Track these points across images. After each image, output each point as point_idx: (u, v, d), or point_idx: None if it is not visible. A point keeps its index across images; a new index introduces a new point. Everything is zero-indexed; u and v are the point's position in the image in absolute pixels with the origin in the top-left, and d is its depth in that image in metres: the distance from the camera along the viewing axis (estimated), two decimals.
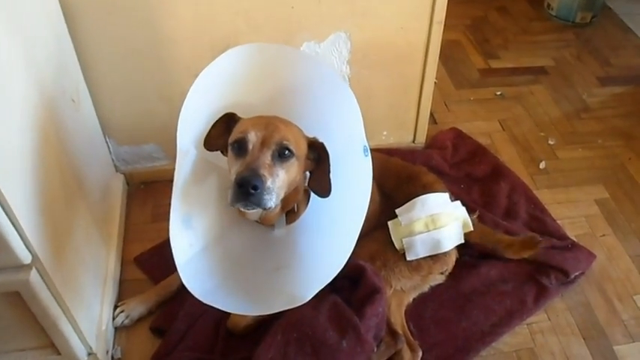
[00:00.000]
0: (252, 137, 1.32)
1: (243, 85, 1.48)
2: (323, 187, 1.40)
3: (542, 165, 2.36)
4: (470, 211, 1.86)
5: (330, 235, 1.38)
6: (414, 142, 2.37)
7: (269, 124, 1.35)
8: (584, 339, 1.75)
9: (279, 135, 1.33)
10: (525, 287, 1.84)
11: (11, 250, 1.16)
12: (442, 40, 2.05)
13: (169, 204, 1.36)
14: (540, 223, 2.07)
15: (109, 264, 1.80)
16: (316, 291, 1.24)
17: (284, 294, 1.30)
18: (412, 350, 1.64)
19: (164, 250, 1.89)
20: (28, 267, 1.24)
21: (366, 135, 1.40)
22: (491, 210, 2.08)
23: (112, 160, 2.09)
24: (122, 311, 1.73)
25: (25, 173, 1.24)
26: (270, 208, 1.29)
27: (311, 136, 1.43)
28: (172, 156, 2.11)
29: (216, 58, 1.41)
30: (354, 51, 2.00)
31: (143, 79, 1.90)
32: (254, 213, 1.45)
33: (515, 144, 2.46)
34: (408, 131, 2.33)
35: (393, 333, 1.64)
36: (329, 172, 1.38)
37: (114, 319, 1.72)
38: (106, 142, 2.03)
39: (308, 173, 1.47)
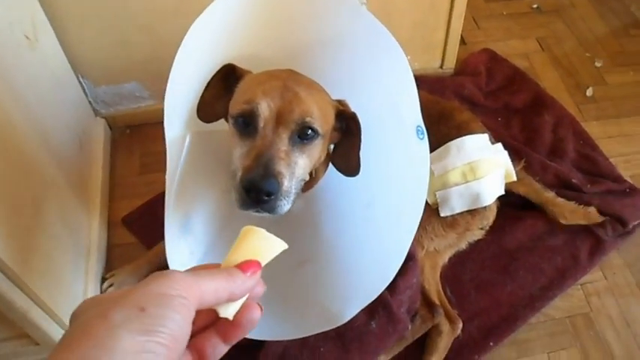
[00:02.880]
0: (264, 110, 0.97)
1: (253, 32, 1.13)
2: (350, 165, 1.08)
3: (589, 92, 2.05)
4: (513, 156, 1.56)
5: (367, 229, 1.09)
6: (441, 67, 2.05)
7: (285, 89, 0.99)
8: None
9: (301, 108, 0.98)
10: (577, 240, 1.61)
11: None
12: None
13: (160, 151, 1.05)
14: (591, 162, 1.79)
15: (92, 230, 1.54)
16: (358, 309, 0.97)
17: (316, 307, 1.03)
18: (451, 322, 1.41)
19: (155, 207, 1.66)
20: None
21: None
22: (535, 148, 1.80)
23: (90, 103, 1.78)
24: (111, 285, 1.49)
25: None
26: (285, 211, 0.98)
27: (336, 99, 1.10)
28: (157, 94, 1.83)
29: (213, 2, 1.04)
30: None
31: (115, 5, 1.56)
32: None
33: (557, 67, 2.14)
34: (435, 55, 2.01)
35: (429, 304, 1.41)
36: (359, 148, 1.06)
37: (102, 293, 1.48)
38: (80, 83, 1.71)
39: (332, 145, 1.16)
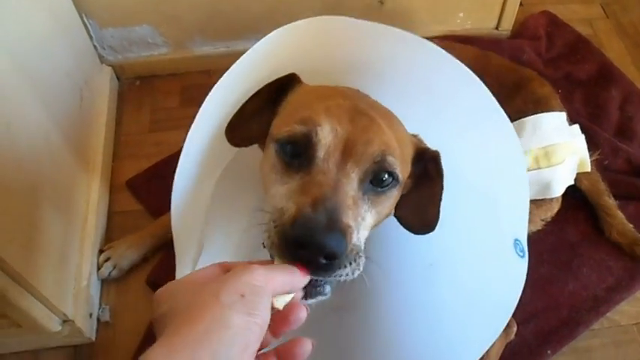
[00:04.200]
0: (327, 135, 0.69)
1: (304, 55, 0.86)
2: (425, 219, 0.80)
3: None
4: (589, 141, 1.34)
5: (426, 294, 0.88)
6: (497, 28, 1.83)
7: (357, 112, 0.72)
8: None
9: (381, 140, 0.70)
10: None
11: None
12: None
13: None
14: None
15: (91, 194, 1.34)
16: None
17: None
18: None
19: (165, 170, 1.46)
20: None
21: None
22: (600, 126, 1.58)
23: (95, 48, 1.56)
24: (108, 258, 1.30)
25: None
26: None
27: (411, 133, 0.83)
28: (172, 41, 1.58)
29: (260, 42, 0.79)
30: None
31: None
32: None
33: (623, 37, 1.91)
34: (491, 14, 1.78)
35: None
36: (440, 197, 0.79)
37: (99, 269, 1.28)
38: (84, 24, 1.49)
39: None
